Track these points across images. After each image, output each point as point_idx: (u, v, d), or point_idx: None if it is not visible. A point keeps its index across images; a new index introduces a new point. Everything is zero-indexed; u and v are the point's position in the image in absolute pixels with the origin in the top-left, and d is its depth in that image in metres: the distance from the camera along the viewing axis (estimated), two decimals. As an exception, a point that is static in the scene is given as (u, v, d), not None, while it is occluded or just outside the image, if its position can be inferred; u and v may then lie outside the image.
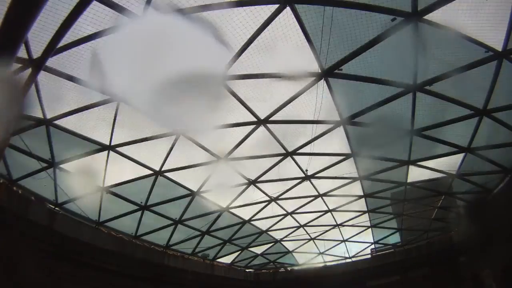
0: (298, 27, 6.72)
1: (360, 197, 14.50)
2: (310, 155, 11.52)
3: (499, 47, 7.18)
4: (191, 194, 12.93)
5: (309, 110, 9.29)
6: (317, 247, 20.03)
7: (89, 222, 12.78)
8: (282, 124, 9.81)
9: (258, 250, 19.97)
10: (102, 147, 9.86)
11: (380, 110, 9.16)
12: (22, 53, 6.34)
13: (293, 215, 15.81)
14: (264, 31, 6.78)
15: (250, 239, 17.75)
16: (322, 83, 8.18)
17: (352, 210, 15.94)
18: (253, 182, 12.64)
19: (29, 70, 6.44)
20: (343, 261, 21.31)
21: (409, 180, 13.12)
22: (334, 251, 20.55)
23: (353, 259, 21.08)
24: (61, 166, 10.39)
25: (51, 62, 6.85)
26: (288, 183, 13.05)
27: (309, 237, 18.62)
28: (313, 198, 14.41)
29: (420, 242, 19.50)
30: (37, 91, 7.73)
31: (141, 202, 12.75)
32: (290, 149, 10.95)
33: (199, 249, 17.38)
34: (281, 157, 11.27)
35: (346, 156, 11.40)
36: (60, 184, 10.89)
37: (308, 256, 21.59)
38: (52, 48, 5.53)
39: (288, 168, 11.88)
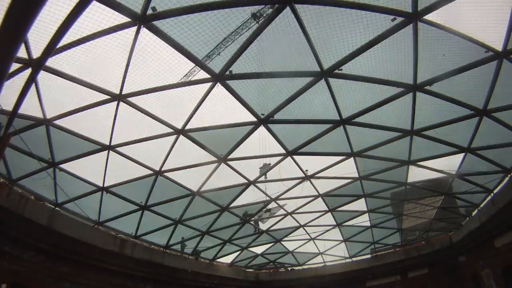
0: (298, 27, 6.71)
1: (360, 197, 14.50)
2: (310, 155, 11.52)
3: (499, 47, 7.18)
4: (191, 194, 12.93)
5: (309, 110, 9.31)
6: (317, 247, 20.03)
7: (89, 222, 12.79)
8: (282, 124, 9.81)
9: (258, 250, 19.96)
10: (102, 147, 9.86)
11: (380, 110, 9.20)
12: (22, 53, 6.35)
13: (293, 215, 15.81)
14: (264, 31, 6.78)
15: (250, 239, 17.75)
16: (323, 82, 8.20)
17: (352, 210, 15.94)
18: (252, 182, 12.63)
19: (29, 70, 6.45)
20: (343, 261, 21.32)
21: (409, 180, 13.13)
22: (334, 251, 20.55)
23: (353, 259, 21.08)
24: (61, 166, 10.39)
25: (51, 62, 6.86)
26: (288, 183, 13.05)
27: (309, 237, 18.61)
28: (313, 198, 14.41)
29: (420, 242, 19.51)
30: (37, 91, 7.73)
31: (141, 202, 12.75)
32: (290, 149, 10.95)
33: (200, 248, 17.37)
34: (281, 157, 11.26)
35: (346, 156, 11.40)
36: (60, 184, 10.90)
37: (308, 256, 21.60)
38: (52, 48, 5.52)
39: (288, 168, 11.87)
